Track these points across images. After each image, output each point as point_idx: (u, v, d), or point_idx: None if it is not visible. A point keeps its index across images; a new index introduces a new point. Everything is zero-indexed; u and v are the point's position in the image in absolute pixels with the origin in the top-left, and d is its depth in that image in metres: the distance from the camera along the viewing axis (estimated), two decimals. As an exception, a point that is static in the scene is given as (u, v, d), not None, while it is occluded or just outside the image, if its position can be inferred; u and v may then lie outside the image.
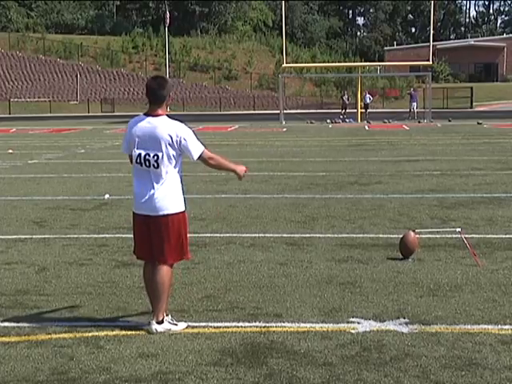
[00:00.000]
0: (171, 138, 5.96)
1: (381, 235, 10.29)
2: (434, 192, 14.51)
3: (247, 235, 10.39)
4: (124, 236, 10.38)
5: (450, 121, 44.34)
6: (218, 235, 10.45)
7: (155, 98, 6.07)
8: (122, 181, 16.87)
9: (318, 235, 10.36)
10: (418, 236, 9.07)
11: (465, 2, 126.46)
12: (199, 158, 6.09)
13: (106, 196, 14.10)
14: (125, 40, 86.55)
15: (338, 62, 76.11)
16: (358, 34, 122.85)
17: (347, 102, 49.98)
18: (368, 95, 49.33)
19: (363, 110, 47.90)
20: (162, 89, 6.07)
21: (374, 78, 78.07)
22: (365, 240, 9.99)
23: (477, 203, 13.04)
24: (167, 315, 6.34)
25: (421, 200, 13.48)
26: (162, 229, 6.10)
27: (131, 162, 6.24)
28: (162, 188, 6.07)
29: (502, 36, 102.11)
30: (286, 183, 16.21)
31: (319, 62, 79.78)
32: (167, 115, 6.18)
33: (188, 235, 6.36)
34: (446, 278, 7.91)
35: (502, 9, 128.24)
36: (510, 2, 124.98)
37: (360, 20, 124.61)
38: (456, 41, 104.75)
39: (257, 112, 67.62)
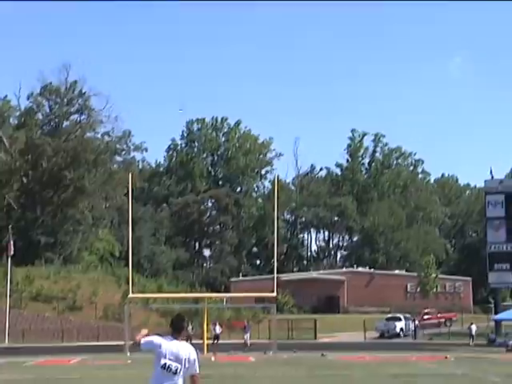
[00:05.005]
0: (188, 357, 8.94)
1: None
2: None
3: None
4: None
5: (295, 352, 44.48)
6: None
7: (178, 328, 9.22)
8: None
9: None
10: None
11: (306, 236, 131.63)
12: (195, 374, 8.99)
13: None
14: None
15: (185, 292, 76.30)
16: (205, 265, 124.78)
17: (192, 333, 49.31)
18: (218, 326, 49.17)
19: (210, 341, 47.45)
20: (182, 322, 9.42)
21: (220, 309, 78.49)
22: None
23: None
24: None
25: None
26: None
27: (139, 345, 9.13)
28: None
29: (341, 270, 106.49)
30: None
31: (166, 293, 79.71)
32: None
33: None
34: None
35: (340, 244, 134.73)
36: (347, 237, 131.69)
37: (206, 252, 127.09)
38: (299, 273, 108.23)
39: (100, 344, 65.69)
